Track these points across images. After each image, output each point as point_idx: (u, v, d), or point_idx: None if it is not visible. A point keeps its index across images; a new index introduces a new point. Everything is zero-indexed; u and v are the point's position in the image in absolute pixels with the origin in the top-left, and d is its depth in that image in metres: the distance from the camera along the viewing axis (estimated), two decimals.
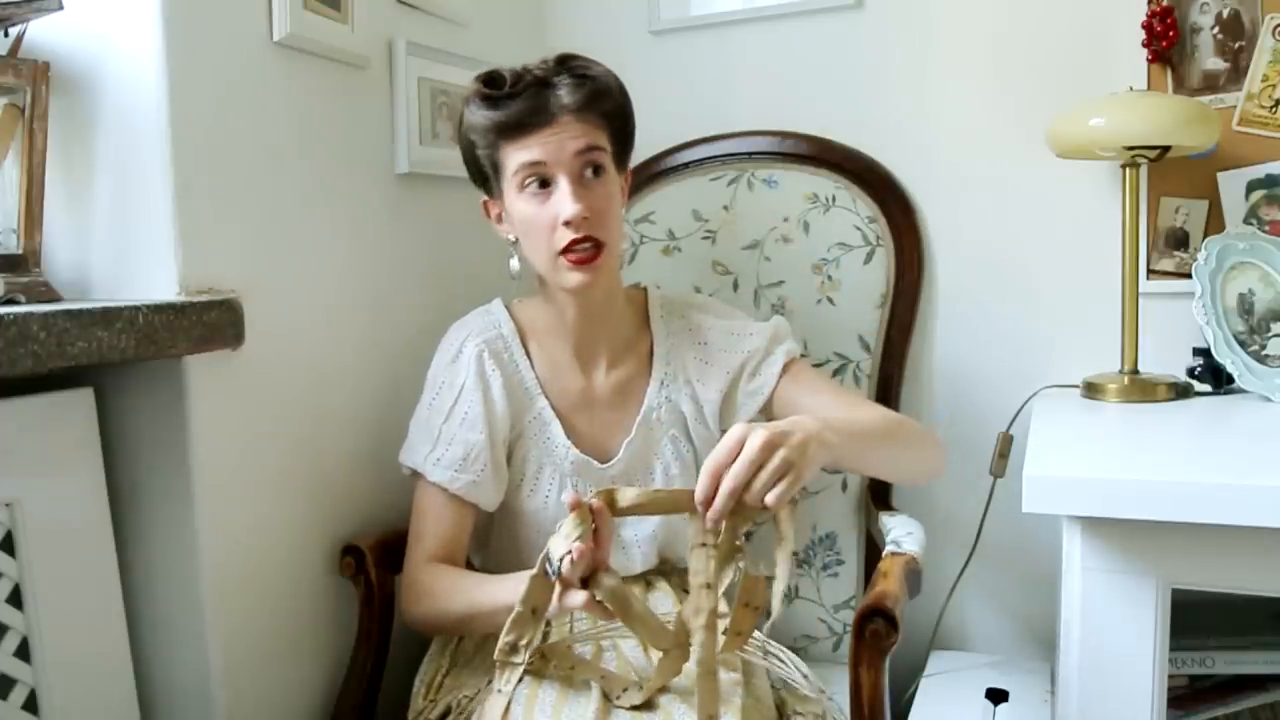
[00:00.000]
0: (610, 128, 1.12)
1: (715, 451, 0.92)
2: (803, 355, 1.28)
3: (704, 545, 0.91)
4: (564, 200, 1.08)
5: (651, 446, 1.21)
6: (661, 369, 1.23)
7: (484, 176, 1.16)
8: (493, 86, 1.10)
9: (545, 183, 1.09)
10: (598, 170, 1.11)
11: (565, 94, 1.08)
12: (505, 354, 1.19)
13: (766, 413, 1.22)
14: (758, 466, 0.90)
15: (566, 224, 1.08)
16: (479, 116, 1.11)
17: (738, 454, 0.90)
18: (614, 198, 1.13)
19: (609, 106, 1.12)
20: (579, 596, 0.93)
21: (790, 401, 1.20)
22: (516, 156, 1.09)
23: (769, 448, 0.90)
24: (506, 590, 1.02)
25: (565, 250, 1.09)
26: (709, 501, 0.90)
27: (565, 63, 1.12)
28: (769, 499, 0.89)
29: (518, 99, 1.08)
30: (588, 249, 1.09)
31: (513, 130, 1.09)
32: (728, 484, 0.89)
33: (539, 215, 1.10)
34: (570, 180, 1.08)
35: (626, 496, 0.95)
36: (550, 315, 1.20)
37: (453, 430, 1.15)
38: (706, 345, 1.23)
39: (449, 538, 1.16)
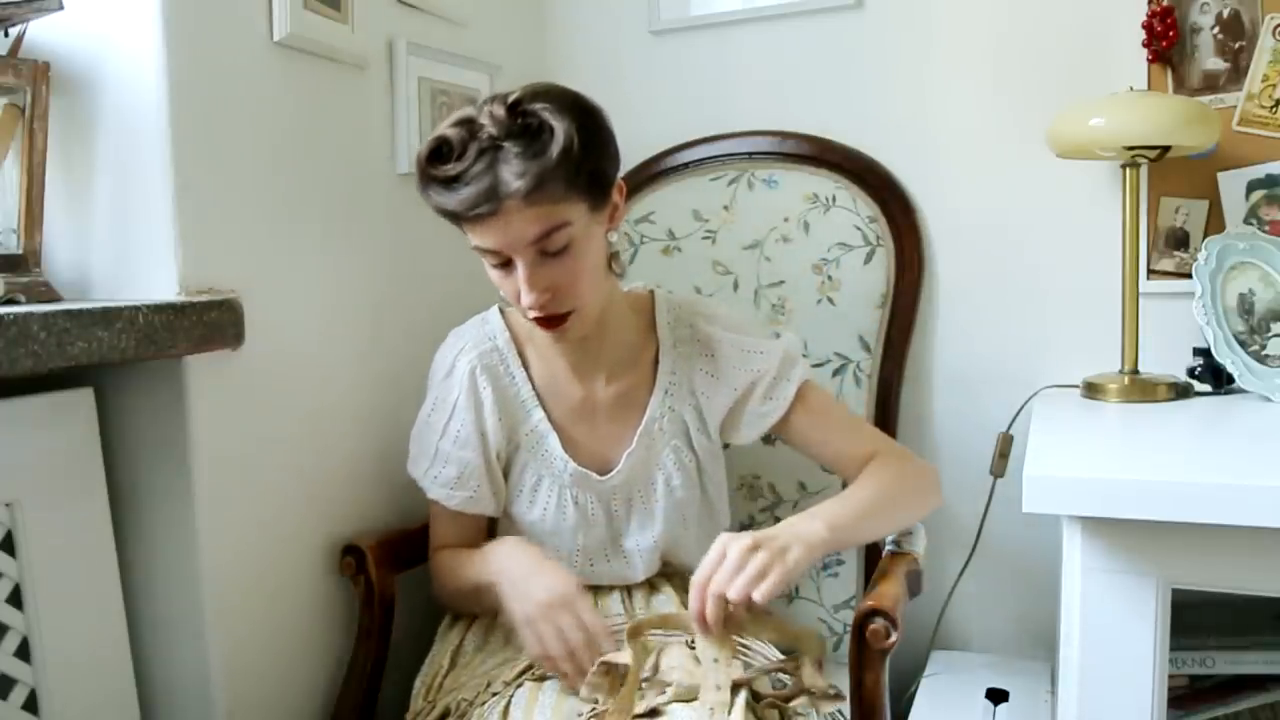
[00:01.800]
0: (574, 191, 1.01)
1: (700, 566, 0.97)
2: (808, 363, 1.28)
3: (715, 659, 0.96)
4: (521, 285, 1.03)
5: (653, 457, 1.19)
6: (666, 378, 1.20)
7: None
8: (436, 161, 1.01)
9: (505, 261, 1.04)
10: (559, 247, 1.03)
11: (512, 176, 0.96)
12: (500, 366, 1.18)
13: (775, 433, 1.23)
14: (738, 570, 0.95)
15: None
16: (428, 198, 1.03)
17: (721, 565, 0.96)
18: (580, 263, 1.05)
19: (566, 173, 0.98)
20: None
21: (800, 430, 1.21)
22: (472, 238, 1.04)
23: (748, 552, 0.96)
24: (476, 569, 1.14)
25: (532, 317, 1.08)
26: (703, 614, 0.95)
27: (518, 110, 0.99)
28: (756, 596, 0.93)
29: (463, 182, 0.98)
30: (554, 318, 1.07)
31: (462, 219, 1.02)
32: (711, 589, 0.95)
33: (504, 284, 1.07)
34: (526, 265, 1.02)
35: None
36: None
37: (447, 449, 1.16)
38: (714, 358, 1.20)
39: (462, 538, 1.21)
